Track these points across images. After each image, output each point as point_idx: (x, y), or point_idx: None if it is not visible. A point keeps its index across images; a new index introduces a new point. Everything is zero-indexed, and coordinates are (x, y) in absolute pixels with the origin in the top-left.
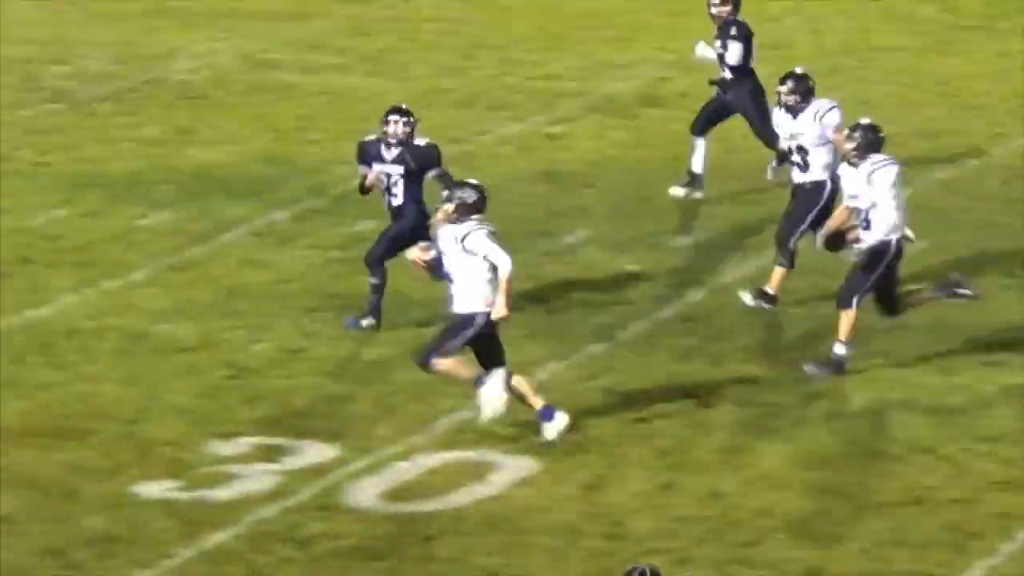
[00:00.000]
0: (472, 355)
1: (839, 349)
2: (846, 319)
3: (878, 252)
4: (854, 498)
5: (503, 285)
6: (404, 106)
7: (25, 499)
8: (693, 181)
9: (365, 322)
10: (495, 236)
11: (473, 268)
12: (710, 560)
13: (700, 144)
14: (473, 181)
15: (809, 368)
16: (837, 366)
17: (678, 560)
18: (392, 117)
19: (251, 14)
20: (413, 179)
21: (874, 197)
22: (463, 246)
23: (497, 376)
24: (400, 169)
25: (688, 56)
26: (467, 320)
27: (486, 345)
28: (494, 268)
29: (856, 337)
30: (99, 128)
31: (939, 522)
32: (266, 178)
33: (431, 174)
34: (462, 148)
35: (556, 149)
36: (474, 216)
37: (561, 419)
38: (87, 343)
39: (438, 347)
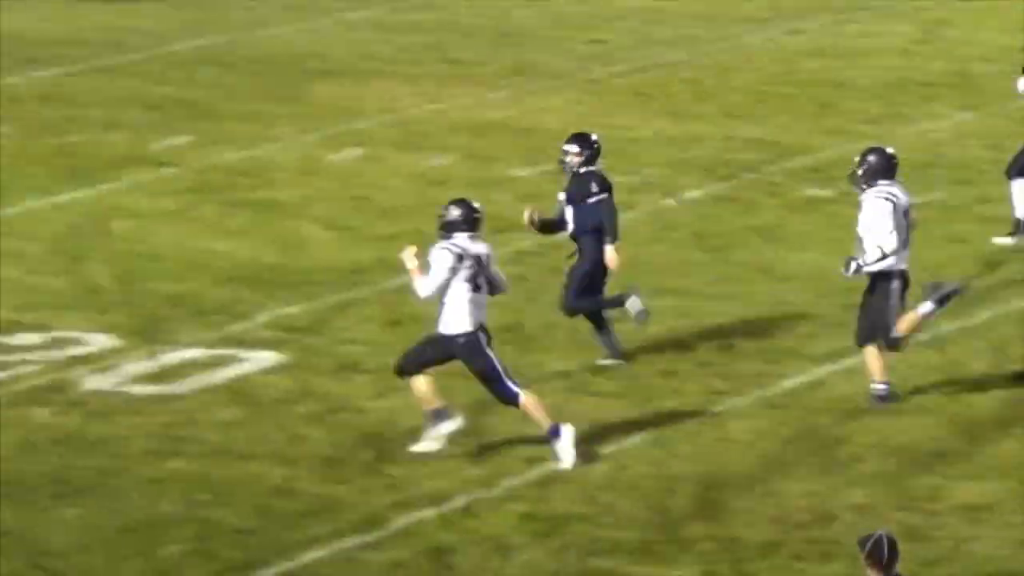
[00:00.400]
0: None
1: (876, 387)
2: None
3: (882, 283)
4: None
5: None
6: (587, 133)
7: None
8: (1018, 228)
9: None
10: (451, 259)
11: (454, 287)
12: None
13: (1018, 187)
14: (464, 199)
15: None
16: (881, 400)
17: None
18: (565, 146)
19: None
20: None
21: (869, 225)
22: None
23: (455, 422)
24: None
25: None
26: (446, 340)
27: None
28: (476, 288)
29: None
30: None
31: None
32: None
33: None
34: None
35: None
36: (458, 233)
37: (567, 434)
38: None
39: (411, 359)
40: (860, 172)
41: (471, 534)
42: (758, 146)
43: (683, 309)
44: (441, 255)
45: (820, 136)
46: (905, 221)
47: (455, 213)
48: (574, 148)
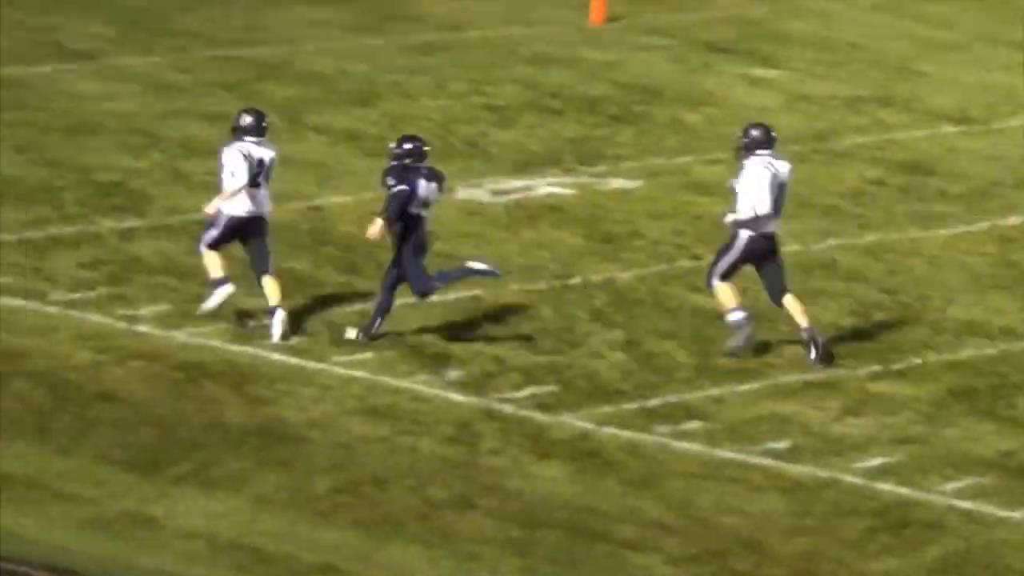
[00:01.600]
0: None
1: (730, 317)
2: (716, 296)
3: (731, 238)
4: None
5: (223, 194)
6: (412, 136)
7: None
8: None
9: (349, 334)
10: (243, 155)
11: (225, 179)
12: None
13: None
14: (255, 108)
15: (730, 350)
16: (737, 328)
17: None
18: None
19: None
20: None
21: (746, 186)
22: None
23: (225, 290)
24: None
25: None
26: (217, 219)
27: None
28: (255, 184)
29: (736, 303)
30: None
31: None
32: None
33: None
34: None
35: None
36: (246, 138)
37: (280, 315)
38: None
39: (201, 238)
40: (742, 145)
41: None
42: None
43: None
44: (234, 155)
45: None
46: (778, 191)
47: (247, 120)
48: (392, 144)
